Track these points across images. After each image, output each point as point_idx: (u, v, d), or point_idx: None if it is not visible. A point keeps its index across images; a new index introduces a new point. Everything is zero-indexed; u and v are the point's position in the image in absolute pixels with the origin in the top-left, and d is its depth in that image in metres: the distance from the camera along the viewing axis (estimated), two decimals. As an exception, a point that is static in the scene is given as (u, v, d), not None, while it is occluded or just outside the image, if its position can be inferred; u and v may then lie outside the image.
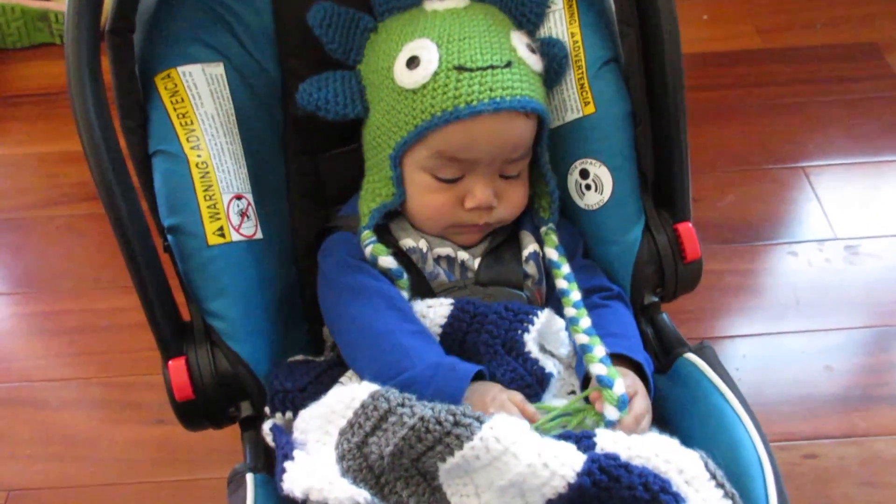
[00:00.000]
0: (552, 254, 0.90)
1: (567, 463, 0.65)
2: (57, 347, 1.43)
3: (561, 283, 0.88)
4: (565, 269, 0.89)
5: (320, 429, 0.74)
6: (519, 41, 0.86)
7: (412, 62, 0.83)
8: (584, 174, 0.94)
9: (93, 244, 1.56)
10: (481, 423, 0.66)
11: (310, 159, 1.00)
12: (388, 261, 0.86)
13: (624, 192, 0.92)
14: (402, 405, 0.68)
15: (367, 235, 0.88)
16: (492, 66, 0.82)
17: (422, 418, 0.66)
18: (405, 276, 0.86)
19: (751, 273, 1.47)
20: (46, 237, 1.59)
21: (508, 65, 0.83)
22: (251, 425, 0.85)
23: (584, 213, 0.95)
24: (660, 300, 0.95)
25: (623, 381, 0.77)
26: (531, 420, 0.74)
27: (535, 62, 0.87)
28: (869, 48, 1.85)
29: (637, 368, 0.82)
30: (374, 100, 0.88)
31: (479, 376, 0.78)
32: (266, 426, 0.82)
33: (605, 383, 0.76)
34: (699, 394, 0.81)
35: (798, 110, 1.73)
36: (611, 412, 0.75)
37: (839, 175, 1.62)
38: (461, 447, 0.65)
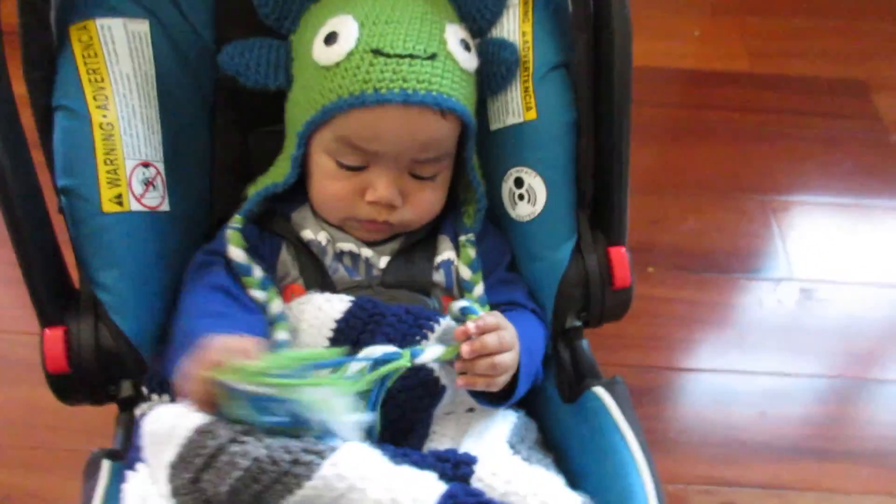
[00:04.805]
0: (465, 272, 0.86)
1: (419, 499, 0.61)
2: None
3: None
4: (477, 290, 0.85)
5: (153, 448, 0.68)
6: (453, 35, 0.81)
7: (331, 38, 0.79)
8: (519, 183, 0.89)
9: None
10: (323, 459, 0.61)
11: (239, 134, 0.95)
12: (237, 253, 0.82)
13: (558, 207, 0.87)
14: (234, 441, 0.62)
15: (237, 221, 0.83)
16: (411, 56, 0.76)
17: (256, 459, 0.61)
18: (254, 273, 0.81)
19: (699, 305, 1.42)
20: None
21: (432, 57, 0.78)
22: (130, 407, 0.81)
23: (514, 224, 0.90)
24: (584, 325, 0.90)
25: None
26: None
27: (466, 59, 0.82)
28: (857, 85, 1.81)
29: None
30: (297, 73, 0.84)
31: None
32: (138, 412, 0.78)
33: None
34: (600, 431, 0.77)
35: (775, 140, 1.69)
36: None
37: (807, 213, 1.58)
38: (301, 486, 0.61)
